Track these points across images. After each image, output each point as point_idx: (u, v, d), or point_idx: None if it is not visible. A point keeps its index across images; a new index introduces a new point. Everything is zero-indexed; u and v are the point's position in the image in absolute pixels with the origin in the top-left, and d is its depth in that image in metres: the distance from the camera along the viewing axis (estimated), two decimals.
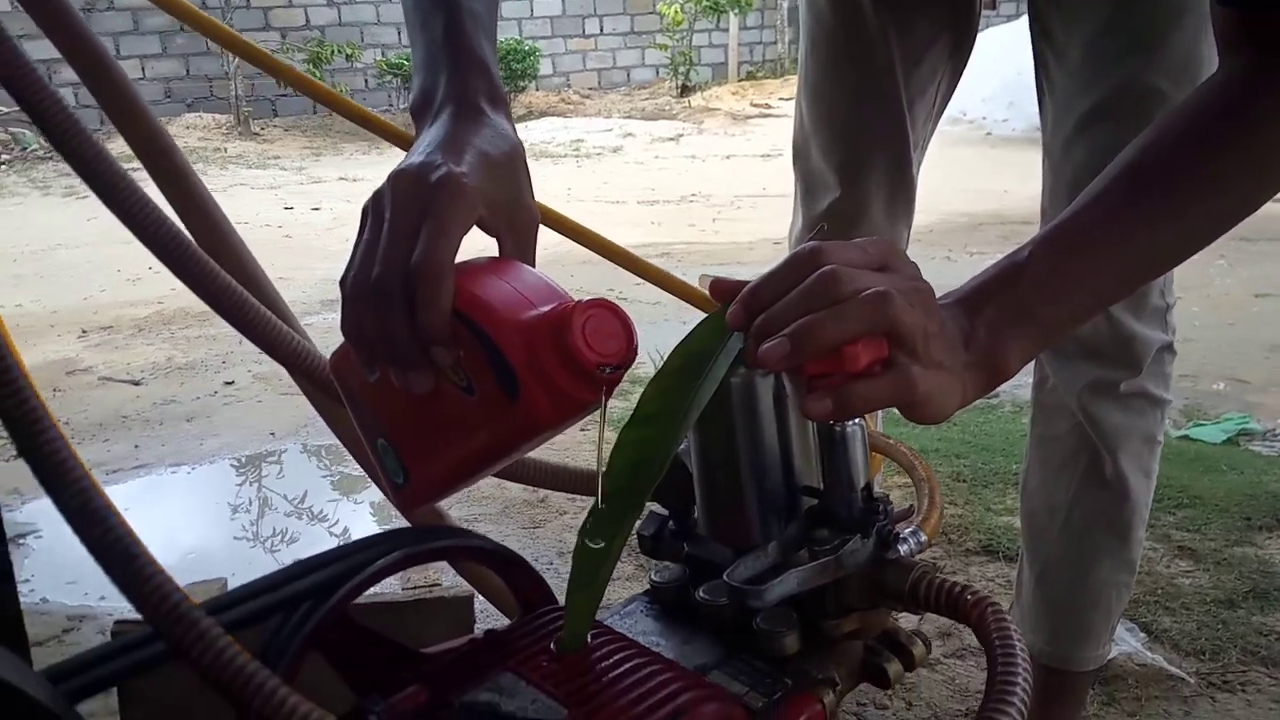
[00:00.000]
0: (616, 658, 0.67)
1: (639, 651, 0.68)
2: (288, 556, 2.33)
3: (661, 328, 4.26)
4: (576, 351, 0.61)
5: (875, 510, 0.64)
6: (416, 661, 0.76)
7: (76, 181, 0.87)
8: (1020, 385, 3.24)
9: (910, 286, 0.62)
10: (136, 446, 3.00)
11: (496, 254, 0.74)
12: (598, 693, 0.64)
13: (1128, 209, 0.71)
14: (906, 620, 0.86)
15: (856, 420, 0.63)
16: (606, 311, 0.63)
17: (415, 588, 1.43)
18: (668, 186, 7.53)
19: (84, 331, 4.26)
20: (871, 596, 0.65)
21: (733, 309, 0.64)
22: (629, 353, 0.63)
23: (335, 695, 1.17)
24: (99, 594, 2.13)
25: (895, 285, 0.61)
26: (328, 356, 0.81)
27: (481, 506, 2.54)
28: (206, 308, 0.86)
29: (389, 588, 1.98)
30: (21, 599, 2.06)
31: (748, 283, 0.65)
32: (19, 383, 0.58)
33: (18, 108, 0.66)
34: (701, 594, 0.71)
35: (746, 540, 0.70)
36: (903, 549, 0.66)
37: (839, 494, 0.64)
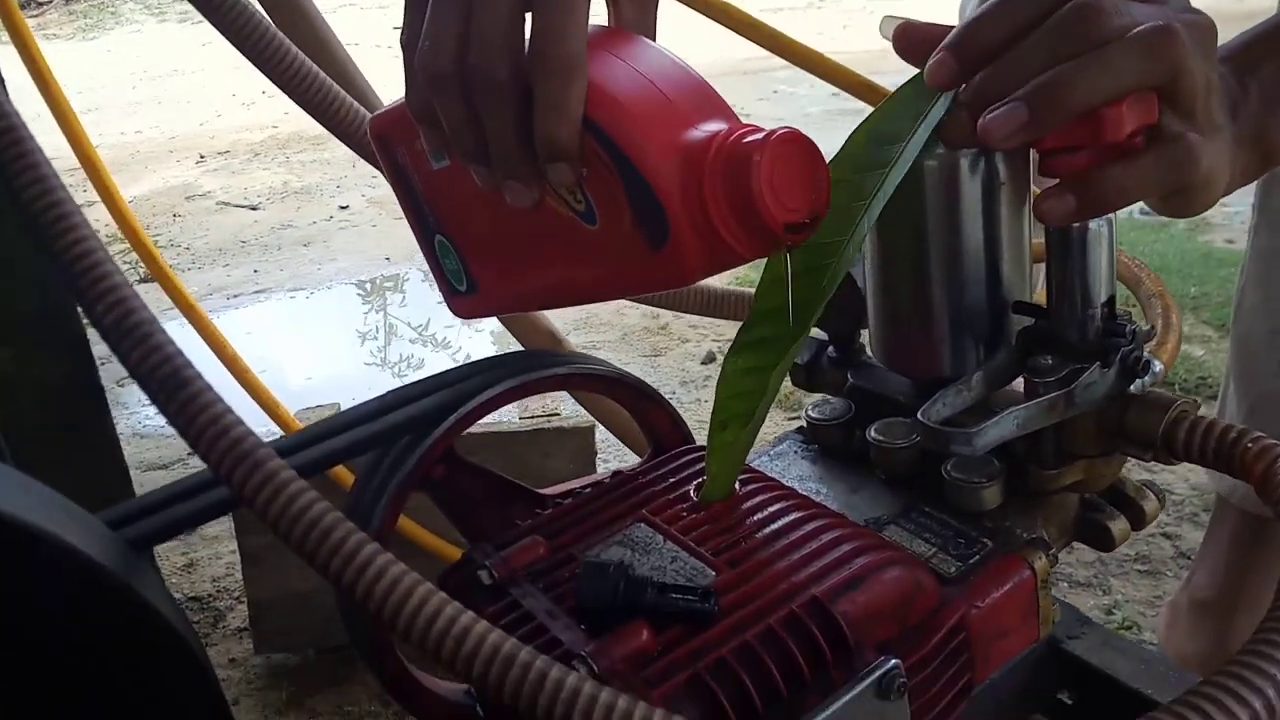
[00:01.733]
0: (772, 509, 0.55)
1: (799, 502, 0.56)
2: (407, 381, 2.29)
3: None
4: (761, 206, 0.44)
5: (1119, 332, 0.49)
6: (535, 503, 0.66)
7: (189, 7, 0.74)
8: None
9: (1190, 21, 0.45)
10: (256, 271, 3.00)
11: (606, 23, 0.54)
12: (751, 550, 0.52)
13: None
14: None
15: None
16: (798, 148, 0.45)
17: (533, 416, 1.34)
18: None
19: (201, 156, 4.26)
20: (1107, 441, 0.51)
21: (936, 58, 0.47)
22: (822, 205, 0.46)
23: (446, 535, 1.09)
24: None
25: (1173, 19, 0.44)
26: None
27: (599, 334, 2.45)
28: (320, 131, 0.73)
29: (504, 416, 1.91)
30: (147, 421, 2.08)
31: (951, 28, 0.49)
32: (49, 181, 0.47)
33: None
34: (874, 434, 0.58)
35: (933, 369, 0.56)
36: (1144, 380, 0.51)
37: (1072, 311, 0.49)
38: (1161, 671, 0.77)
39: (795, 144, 0.45)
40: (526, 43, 0.47)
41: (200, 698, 0.50)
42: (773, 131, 0.44)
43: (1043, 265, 0.57)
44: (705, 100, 0.48)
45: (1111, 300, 0.49)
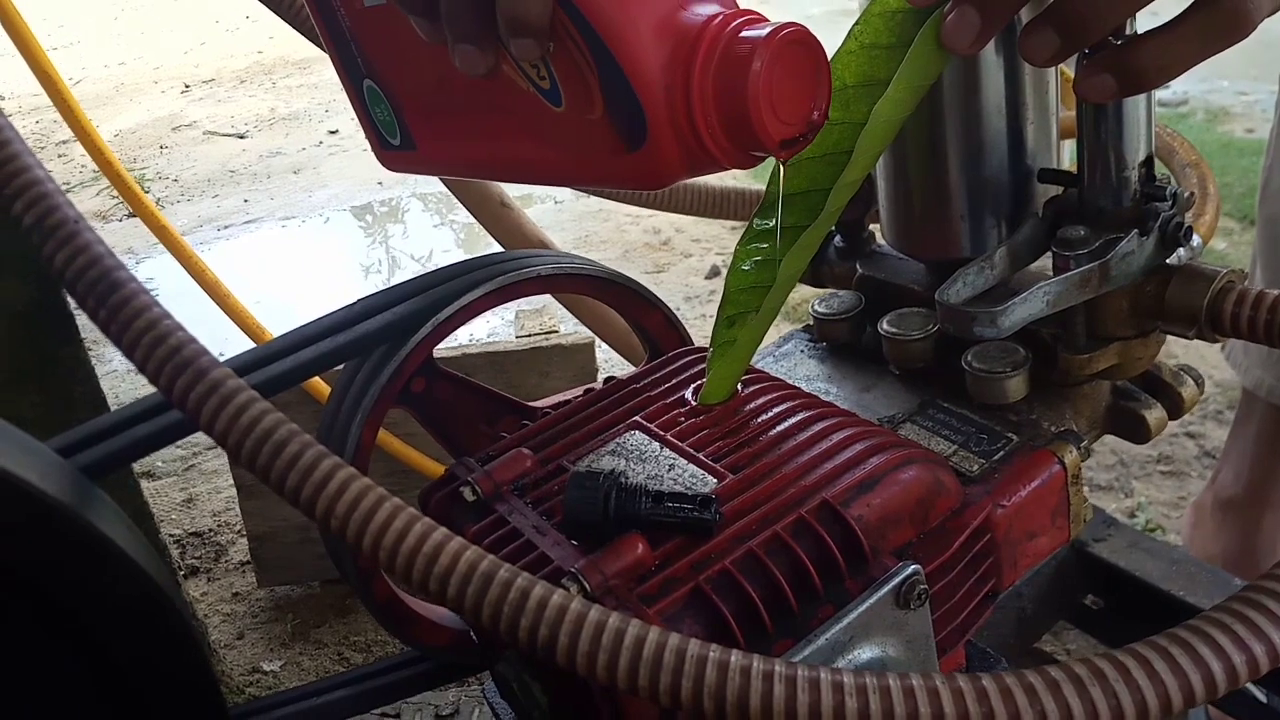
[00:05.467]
0: (777, 409, 0.51)
1: (806, 401, 0.51)
2: None
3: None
4: (755, 122, 0.38)
5: (1158, 195, 0.44)
6: (523, 415, 0.62)
7: None
8: (1213, 90, 2.85)
9: None
10: (246, 201, 2.93)
11: None
12: (756, 454, 0.48)
13: None
14: None
15: None
16: (802, 51, 0.39)
17: (530, 335, 1.29)
18: None
19: (186, 86, 4.16)
20: (1144, 320, 0.46)
21: None
22: (821, 116, 0.40)
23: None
24: (218, 350, 2.10)
25: None
26: None
27: (598, 251, 2.40)
28: (306, 55, 0.65)
29: (500, 334, 1.87)
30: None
31: None
32: None
33: None
34: (886, 326, 0.53)
35: (951, 250, 0.52)
36: (1183, 253, 0.46)
37: (1106, 174, 0.44)
38: (1193, 572, 0.73)
39: (799, 46, 0.39)
40: None
41: (165, 630, 0.47)
42: (775, 30, 0.38)
43: (1069, 143, 0.52)
44: None
45: (1150, 161, 0.44)
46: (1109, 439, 1.33)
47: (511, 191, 1.12)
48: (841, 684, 0.32)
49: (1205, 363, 1.48)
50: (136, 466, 1.24)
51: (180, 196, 2.98)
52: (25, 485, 0.41)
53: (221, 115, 3.71)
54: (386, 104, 0.55)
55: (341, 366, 0.58)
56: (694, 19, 0.39)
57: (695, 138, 0.40)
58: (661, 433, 0.50)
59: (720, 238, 2.37)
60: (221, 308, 1.18)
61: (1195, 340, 0.48)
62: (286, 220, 2.77)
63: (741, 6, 0.40)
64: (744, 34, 0.38)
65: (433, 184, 2.79)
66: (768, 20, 0.39)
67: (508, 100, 0.45)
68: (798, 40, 0.38)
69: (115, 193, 1.54)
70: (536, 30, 0.40)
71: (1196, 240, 0.49)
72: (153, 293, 0.41)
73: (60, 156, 3.37)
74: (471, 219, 1.16)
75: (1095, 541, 0.78)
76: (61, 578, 0.43)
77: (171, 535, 1.50)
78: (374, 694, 0.65)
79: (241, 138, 3.44)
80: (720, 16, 0.39)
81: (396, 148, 0.57)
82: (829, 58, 0.43)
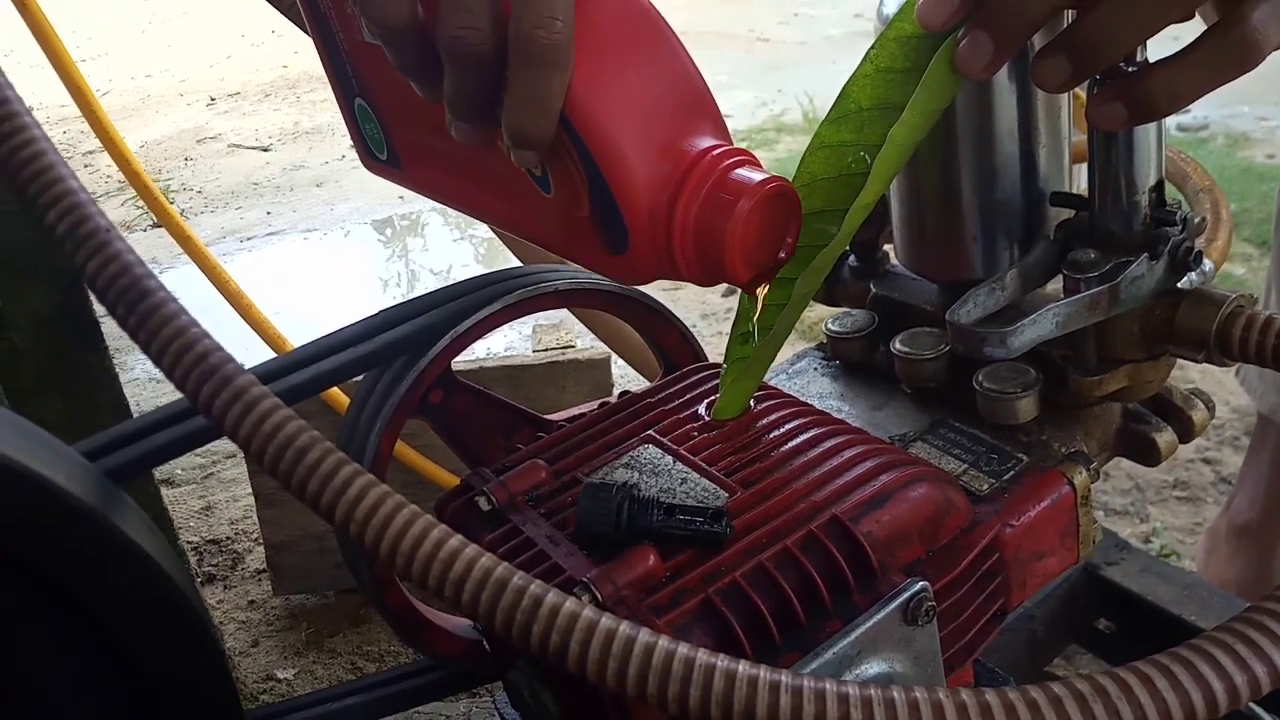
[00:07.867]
0: (789, 425, 0.51)
1: (818, 418, 0.52)
2: None
3: (810, 69, 3.93)
4: (729, 265, 0.41)
5: (1168, 220, 0.44)
6: (538, 428, 0.63)
7: None
8: (1234, 115, 2.84)
9: None
10: (268, 213, 2.95)
11: None
12: (767, 469, 0.48)
13: None
14: None
15: None
16: (781, 200, 0.41)
17: (547, 349, 1.30)
18: None
19: (212, 99, 4.20)
20: (1154, 343, 0.46)
21: None
22: (789, 252, 0.44)
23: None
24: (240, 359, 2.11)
25: None
26: None
27: None
28: None
29: (517, 348, 1.88)
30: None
31: None
32: None
33: None
34: (899, 346, 0.54)
35: (963, 271, 0.52)
36: (1194, 278, 0.47)
37: (1116, 199, 0.45)
38: (1205, 596, 0.73)
39: (779, 198, 0.41)
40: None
41: (186, 631, 0.48)
42: (761, 182, 0.40)
43: (1081, 166, 0.53)
44: (697, 111, 0.42)
45: (1160, 185, 0.45)
46: (1125, 464, 1.31)
47: None
48: (847, 696, 0.33)
49: (1223, 388, 1.48)
50: (156, 473, 1.25)
51: (204, 208, 3.01)
52: (52, 487, 0.42)
53: (246, 128, 3.75)
54: (377, 124, 0.56)
55: (361, 377, 0.59)
56: (686, 152, 0.41)
57: (670, 259, 0.42)
58: (675, 447, 0.51)
59: None
60: (244, 318, 1.19)
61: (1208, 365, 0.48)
62: (308, 233, 2.79)
63: (772, 34, 0.41)
64: (732, 176, 0.41)
65: None
66: (756, 162, 0.42)
67: (498, 166, 0.47)
68: (778, 194, 0.41)
69: (141, 203, 1.55)
70: (539, 146, 0.42)
71: (1208, 265, 0.49)
72: None
73: (87, 166, 3.41)
74: (491, 234, 1.17)
75: (1108, 565, 0.78)
76: (86, 577, 0.44)
77: (189, 542, 1.51)
78: (386, 701, 0.66)
79: (265, 151, 3.48)
80: (710, 156, 0.41)
81: (383, 162, 0.58)
82: (843, 85, 0.44)
